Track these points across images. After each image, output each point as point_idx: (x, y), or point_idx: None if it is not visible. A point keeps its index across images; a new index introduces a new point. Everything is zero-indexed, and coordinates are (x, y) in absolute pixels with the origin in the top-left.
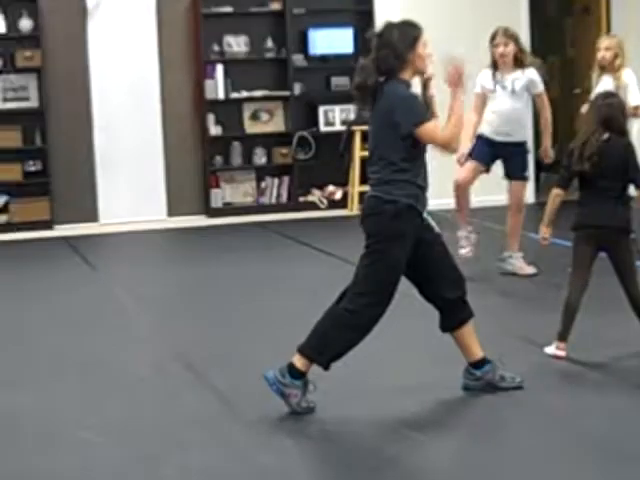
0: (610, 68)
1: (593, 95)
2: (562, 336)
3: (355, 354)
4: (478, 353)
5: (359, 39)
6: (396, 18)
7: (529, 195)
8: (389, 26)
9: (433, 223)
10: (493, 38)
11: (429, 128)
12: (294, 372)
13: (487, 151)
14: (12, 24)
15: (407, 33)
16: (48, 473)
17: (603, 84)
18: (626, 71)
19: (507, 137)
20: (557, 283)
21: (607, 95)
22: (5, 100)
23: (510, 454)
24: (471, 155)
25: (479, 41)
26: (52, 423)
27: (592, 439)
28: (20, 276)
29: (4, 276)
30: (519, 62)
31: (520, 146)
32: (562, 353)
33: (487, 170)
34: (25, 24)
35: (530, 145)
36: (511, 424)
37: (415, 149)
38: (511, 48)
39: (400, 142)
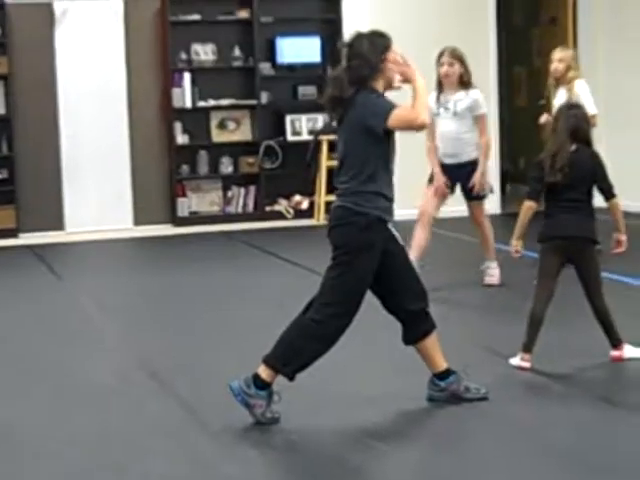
0: (563, 80)
1: (554, 107)
2: (527, 347)
3: (319, 364)
4: (442, 364)
5: (326, 48)
6: (363, 28)
7: (495, 207)
8: (359, 36)
9: (397, 234)
10: (439, 57)
11: (399, 113)
12: (259, 383)
13: (447, 179)
14: None
15: (378, 43)
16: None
17: (559, 96)
18: (578, 82)
19: (454, 159)
20: (524, 294)
21: (571, 106)
22: None
23: (474, 465)
24: (431, 181)
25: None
26: (16, 432)
27: (557, 450)
28: None
29: None
30: (464, 83)
31: (469, 166)
32: (527, 364)
33: (450, 192)
34: None
35: (495, 157)
36: (475, 435)
37: (385, 157)
38: (456, 68)
39: (372, 151)
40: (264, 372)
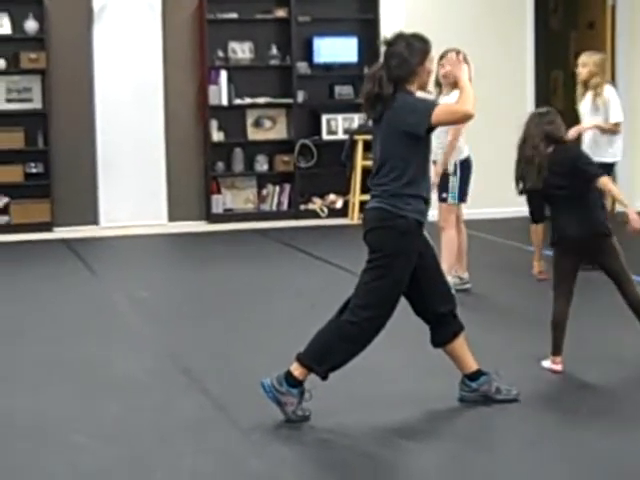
0: (589, 85)
1: (580, 112)
2: (555, 350)
3: (351, 364)
4: (473, 365)
5: (363, 49)
6: (401, 28)
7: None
8: (401, 37)
9: (428, 236)
10: (441, 58)
11: (441, 109)
12: (291, 380)
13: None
14: (17, 25)
15: (416, 47)
16: (38, 474)
17: (585, 101)
18: (607, 88)
19: (436, 157)
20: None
21: (539, 114)
22: (9, 101)
23: (502, 466)
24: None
25: (483, 54)
26: (45, 425)
27: (587, 455)
28: (19, 278)
29: (2, 277)
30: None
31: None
32: (558, 367)
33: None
34: (30, 25)
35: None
36: (505, 436)
37: (424, 158)
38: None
39: (413, 153)
40: (297, 370)
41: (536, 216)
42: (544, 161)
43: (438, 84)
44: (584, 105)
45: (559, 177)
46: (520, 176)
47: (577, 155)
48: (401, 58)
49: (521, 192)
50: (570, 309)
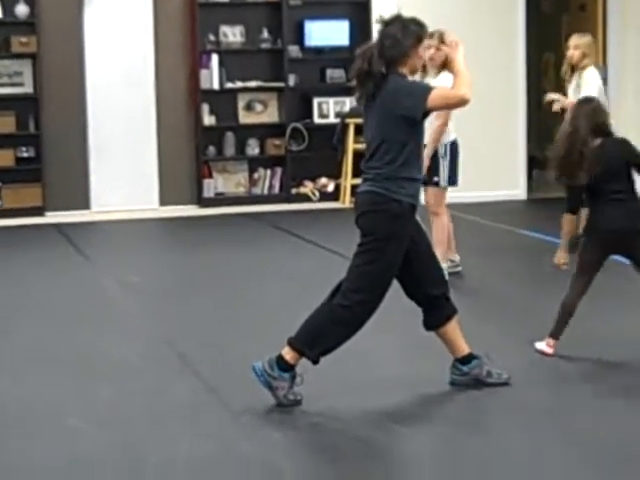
0: (577, 67)
1: (568, 93)
2: (554, 334)
3: (342, 348)
4: (464, 349)
5: (355, 32)
6: (393, 12)
7: (522, 193)
8: (398, 19)
9: (419, 219)
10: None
11: (438, 93)
12: (283, 364)
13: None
14: (8, 9)
15: (412, 30)
16: (32, 459)
17: (573, 82)
18: (590, 69)
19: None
20: (548, 281)
21: (585, 101)
22: None
23: (493, 449)
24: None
25: (475, 37)
26: (38, 411)
27: (577, 437)
28: (10, 262)
29: None
30: (446, 66)
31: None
32: (550, 350)
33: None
34: (21, 10)
35: (522, 143)
36: (496, 419)
37: (418, 141)
38: (442, 53)
39: (408, 137)
40: (288, 354)
41: (573, 206)
42: (593, 155)
43: (422, 66)
44: (572, 86)
45: (608, 170)
46: (564, 168)
47: (627, 149)
48: (395, 39)
49: (563, 182)
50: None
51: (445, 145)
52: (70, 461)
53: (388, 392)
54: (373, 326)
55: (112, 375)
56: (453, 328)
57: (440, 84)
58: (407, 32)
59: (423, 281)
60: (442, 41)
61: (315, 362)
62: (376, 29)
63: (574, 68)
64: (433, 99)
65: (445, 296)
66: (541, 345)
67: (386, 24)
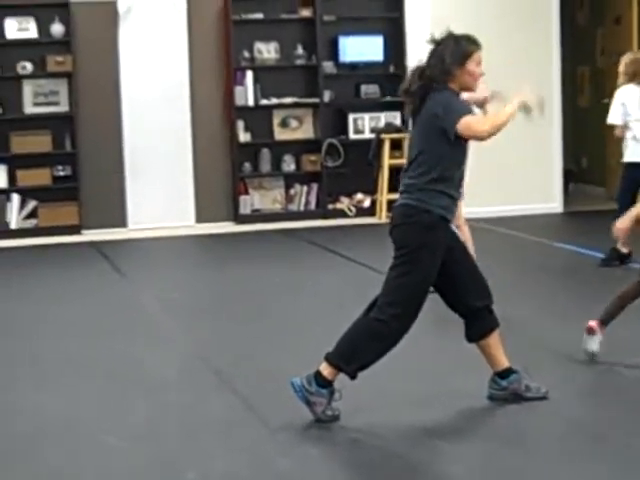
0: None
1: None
2: (603, 319)
3: (380, 362)
4: (504, 363)
5: (389, 47)
6: (426, 27)
7: (558, 206)
8: (447, 37)
9: (457, 231)
10: None
11: (466, 120)
12: (320, 380)
13: None
14: (44, 29)
15: (460, 48)
16: (68, 475)
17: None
18: (621, 89)
19: None
20: (584, 296)
21: None
22: (36, 105)
23: (532, 464)
24: None
25: (509, 50)
26: (75, 425)
27: (616, 452)
28: (47, 280)
29: (32, 280)
30: None
31: None
32: (594, 324)
33: None
34: (57, 29)
35: (558, 156)
36: (535, 434)
37: (458, 158)
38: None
39: (446, 151)
40: (326, 370)
41: None
42: None
43: None
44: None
45: None
46: None
47: None
48: (440, 58)
49: None
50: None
51: None
52: (106, 476)
53: (426, 407)
54: (410, 340)
55: (149, 390)
56: (495, 341)
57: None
58: (452, 51)
59: (465, 293)
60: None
61: (353, 377)
62: (428, 48)
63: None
64: (462, 124)
65: (488, 308)
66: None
67: (437, 44)
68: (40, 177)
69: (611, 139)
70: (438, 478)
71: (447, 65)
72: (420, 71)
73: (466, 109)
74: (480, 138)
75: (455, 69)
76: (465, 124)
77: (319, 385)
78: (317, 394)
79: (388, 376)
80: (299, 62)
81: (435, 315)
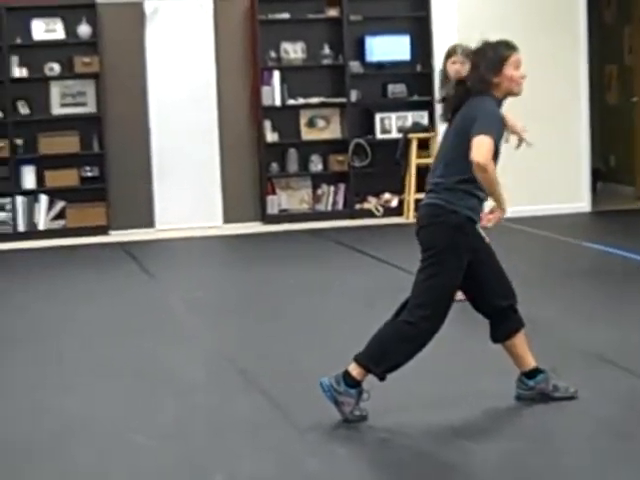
0: None
1: None
2: None
3: (408, 364)
4: (531, 362)
5: (416, 46)
6: (453, 27)
7: (586, 205)
8: (482, 46)
9: (483, 232)
10: (450, 55)
11: (482, 140)
12: (349, 381)
13: None
14: (71, 30)
15: (495, 55)
16: (96, 474)
17: None
18: None
19: None
20: (613, 295)
21: None
22: (63, 105)
23: (560, 464)
24: None
25: (536, 48)
26: (103, 425)
27: None
28: (75, 281)
29: (60, 281)
30: None
31: None
32: None
33: None
34: (84, 30)
35: (586, 155)
36: (562, 434)
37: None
38: (467, 67)
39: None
40: (355, 370)
41: None
42: None
43: (446, 80)
44: None
45: None
46: None
47: None
48: (477, 71)
49: None
50: None
51: None
52: (133, 475)
53: (453, 407)
54: (437, 341)
55: (177, 390)
56: (520, 341)
57: None
58: (488, 61)
59: (489, 293)
60: (466, 55)
61: (381, 379)
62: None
63: None
64: (477, 139)
65: (513, 308)
66: None
67: (474, 54)
68: (68, 178)
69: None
70: (466, 478)
71: (483, 74)
72: (460, 83)
73: (493, 128)
74: (475, 162)
75: (492, 77)
76: (479, 141)
77: (348, 385)
78: (345, 394)
79: (415, 377)
80: (326, 62)
81: (462, 316)
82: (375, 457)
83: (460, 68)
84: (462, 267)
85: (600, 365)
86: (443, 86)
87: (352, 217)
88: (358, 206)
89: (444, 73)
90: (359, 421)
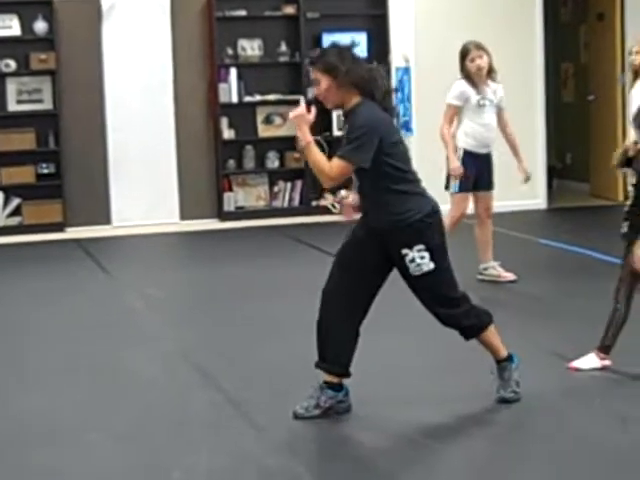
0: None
1: (631, 97)
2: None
3: (369, 364)
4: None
5: (373, 44)
6: (410, 24)
7: (542, 202)
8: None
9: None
10: (467, 52)
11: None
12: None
13: (474, 171)
14: (27, 27)
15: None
16: (52, 475)
17: (636, 88)
18: None
19: (488, 149)
20: (568, 292)
21: None
22: (19, 102)
23: (523, 463)
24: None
25: (493, 47)
26: (59, 424)
27: (605, 451)
28: (31, 278)
29: (15, 278)
30: (490, 73)
31: (491, 157)
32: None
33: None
34: (40, 26)
35: (542, 152)
36: (528, 435)
37: None
38: (486, 60)
39: None
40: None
41: None
42: None
43: (469, 77)
44: (635, 92)
45: None
46: None
47: None
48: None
49: None
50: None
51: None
52: (91, 476)
53: (419, 407)
54: (395, 340)
55: (133, 389)
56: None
57: None
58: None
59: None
60: (481, 48)
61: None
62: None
63: (636, 74)
64: None
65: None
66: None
67: None
68: (24, 175)
69: (595, 135)
70: (428, 476)
71: None
72: None
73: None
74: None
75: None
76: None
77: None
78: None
79: (377, 376)
80: (283, 59)
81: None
82: (334, 454)
83: (481, 62)
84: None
85: (556, 362)
86: (472, 83)
87: (309, 214)
88: (315, 203)
89: (465, 73)
90: (319, 417)
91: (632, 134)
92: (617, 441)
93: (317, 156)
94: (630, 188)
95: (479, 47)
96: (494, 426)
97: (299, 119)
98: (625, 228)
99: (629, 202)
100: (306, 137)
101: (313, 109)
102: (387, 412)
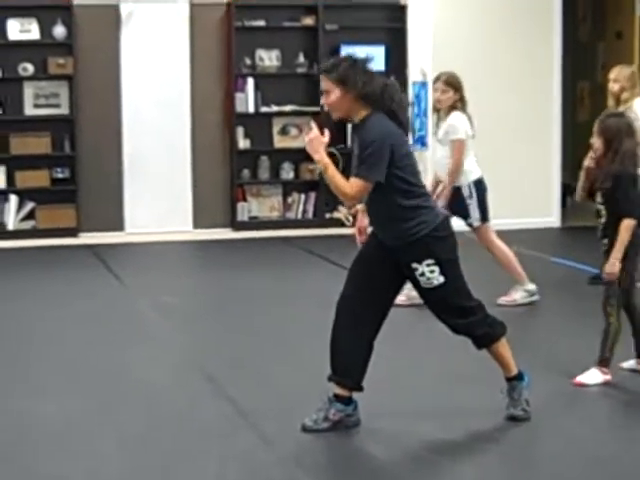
0: (621, 100)
1: None
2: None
3: (375, 378)
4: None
5: (391, 57)
6: (428, 38)
7: (555, 220)
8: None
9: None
10: (434, 82)
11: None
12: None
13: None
14: (46, 31)
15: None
16: (58, 479)
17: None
18: (637, 101)
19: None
20: (580, 310)
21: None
22: (36, 106)
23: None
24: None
25: (510, 64)
26: (68, 430)
27: (605, 464)
28: (43, 283)
29: (28, 282)
30: (454, 109)
31: (460, 190)
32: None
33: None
34: (59, 31)
35: (557, 170)
36: (532, 450)
37: None
38: (450, 95)
39: None
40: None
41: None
42: None
43: (437, 109)
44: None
45: None
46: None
47: None
48: None
49: None
50: None
51: (469, 185)
52: None
53: (421, 421)
54: (402, 352)
55: (143, 396)
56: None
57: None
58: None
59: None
60: (448, 83)
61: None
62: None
63: (617, 100)
64: None
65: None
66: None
67: None
68: (39, 179)
69: None
70: None
71: None
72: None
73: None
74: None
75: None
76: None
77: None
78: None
79: (382, 390)
80: (300, 70)
81: (425, 328)
82: (341, 467)
83: (440, 96)
84: None
85: (569, 381)
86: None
87: (322, 226)
88: (328, 215)
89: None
90: (327, 430)
91: None
92: (628, 462)
93: (336, 177)
94: (600, 207)
95: (447, 82)
96: (504, 444)
97: (315, 142)
98: (606, 246)
99: (603, 220)
100: (324, 160)
101: (326, 131)
102: (396, 426)
